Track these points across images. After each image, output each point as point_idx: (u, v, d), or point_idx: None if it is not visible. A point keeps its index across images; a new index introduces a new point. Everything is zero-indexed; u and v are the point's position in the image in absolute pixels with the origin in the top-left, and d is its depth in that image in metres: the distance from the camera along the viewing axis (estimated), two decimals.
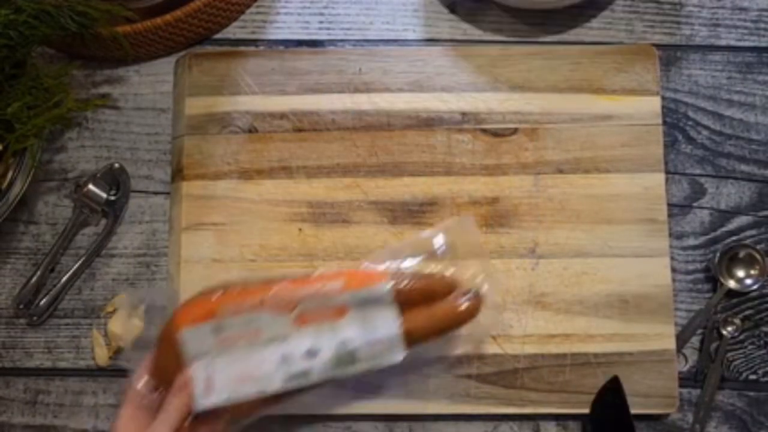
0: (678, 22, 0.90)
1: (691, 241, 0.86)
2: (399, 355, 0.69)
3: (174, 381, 0.67)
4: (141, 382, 0.69)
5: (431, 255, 0.74)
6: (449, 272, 0.72)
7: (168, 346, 0.68)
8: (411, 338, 0.69)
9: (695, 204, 0.86)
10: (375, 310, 0.69)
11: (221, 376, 0.67)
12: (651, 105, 0.86)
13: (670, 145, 0.87)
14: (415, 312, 0.70)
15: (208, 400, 0.67)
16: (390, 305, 0.69)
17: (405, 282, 0.70)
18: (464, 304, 0.71)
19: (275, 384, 0.67)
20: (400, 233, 0.83)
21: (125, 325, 0.84)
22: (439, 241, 0.75)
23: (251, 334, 0.68)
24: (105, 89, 0.90)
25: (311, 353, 0.68)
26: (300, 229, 0.84)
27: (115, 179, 0.87)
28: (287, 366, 0.67)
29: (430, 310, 0.70)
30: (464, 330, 0.72)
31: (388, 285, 0.69)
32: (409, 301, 0.70)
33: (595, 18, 0.90)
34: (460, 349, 0.79)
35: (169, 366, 0.68)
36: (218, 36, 0.91)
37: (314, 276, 0.70)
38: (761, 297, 0.85)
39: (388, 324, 0.69)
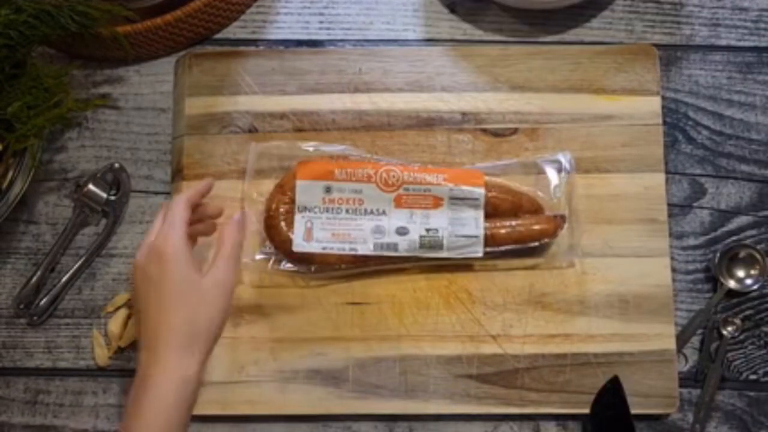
0: (678, 22, 0.90)
1: (691, 241, 0.86)
2: (479, 252, 0.80)
3: (280, 225, 0.79)
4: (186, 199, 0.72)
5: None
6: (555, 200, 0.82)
7: (283, 192, 0.80)
8: (492, 241, 0.80)
9: (695, 204, 0.86)
10: (466, 208, 0.80)
11: (321, 230, 0.79)
12: (651, 105, 0.85)
13: (670, 145, 0.87)
14: (501, 220, 0.80)
15: (305, 246, 0.79)
16: (480, 208, 0.80)
17: (498, 191, 0.81)
18: (545, 224, 0.80)
19: (365, 248, 0.79)
20: None
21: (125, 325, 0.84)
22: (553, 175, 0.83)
23: (355, 202, 0.80)
24: (105, 89, 0.90)
25: (401, 231, 0.80)
26: None
27: (115, 179, 0.87)
28: (379, 236, 0.80)
29: (514, 222, 0.80)
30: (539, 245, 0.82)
31: (483, 190, 0.79)
32: (497, 208, 0.81)
33: (595, 18, 0.90)
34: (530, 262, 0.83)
35: (280, 209, 0.80)
36: (218, 36, 0.91)
37: (421, 166, 0.82)
38: (761, 297, 0.85)
39: (474, 224, 0.80)
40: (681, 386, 0.82)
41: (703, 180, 0.87)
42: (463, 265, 0.82)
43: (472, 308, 0.82)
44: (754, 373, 0.84)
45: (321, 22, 0.91)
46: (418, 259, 0.81)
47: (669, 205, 0.85)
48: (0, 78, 0.77)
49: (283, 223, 0.80)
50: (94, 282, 0.86)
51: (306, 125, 0.86)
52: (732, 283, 0.84)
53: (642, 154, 0.84)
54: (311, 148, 0.83)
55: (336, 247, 0.80)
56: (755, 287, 0.84)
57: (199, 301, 0.65)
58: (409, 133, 0.86)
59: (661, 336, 0.81)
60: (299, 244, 0.80)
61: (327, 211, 0.80)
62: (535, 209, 0.82)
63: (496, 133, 0.85)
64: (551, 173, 0.83)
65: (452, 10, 0.91)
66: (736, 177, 0.87)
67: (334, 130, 0.86)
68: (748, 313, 0.85)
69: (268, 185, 0.83)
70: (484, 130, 0.85)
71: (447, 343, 0.81)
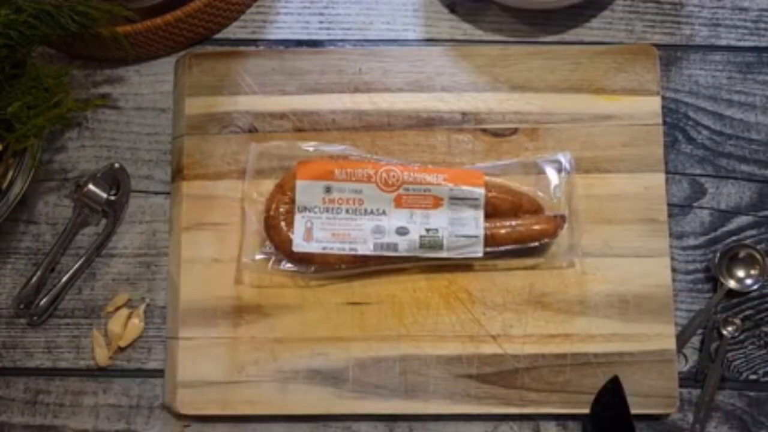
0: (678, 22, 0.90)
1: (691, 241, 0.86)
2: (479, 252, 0.80)
3: (280, 225, 0.80)
4: None
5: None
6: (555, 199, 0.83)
7: (283, 192, 0.80)
8: (492, 241, 0.80)
9: (695, 204, 0.86)
10: (466, 208, 0.80)
11: (321, 230, 0.80)
12: (651, 105, 0.85)
13: (670, 145, 0.87)
14: (501, 220, 0.80)
15: (305, 246, 0.80)
16: (480, 208, 0.80)
17: (497, 191, 0.81)
18: (545, 224, 0.80)
19: (365, 248, 0.80)
20: None
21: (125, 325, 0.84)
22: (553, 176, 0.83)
23: (355, 202, 0.80)
24: (105, 89, 0.90)
25: (401, 231, 0.80)
26: None
27: (115, 179, 0.87)
28: (379, 236, 0.80)
29: (514, 222, 0.80)
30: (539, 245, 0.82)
31: (483, 190, 0.79)
32: (497, 208, 0.81)
33: (595, 18, 0.90)
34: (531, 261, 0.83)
35: (280, 209, 0.80)
36: (218, 36, 0.91)
37: (421, 166, 0.82)
38: (761, 297, 0.85)
39: (474, 224, 0.80)
40: (681, 386, 0.82)
41: (703, 180, 0.87)
42: (463, 265, 0.82)
43: (472, 308, 0.82)
44: (754, 373, 0.84)
45: (321, 22, 0.91)
46: (418, 259, 0.81)
47: (669, 205, 0.85)
48: (0, 78, 0.77)
49: (283, 223, 0.80)
50: (94, 282, 0.86)
51: (306, 125, 0.86)
52: (732, 283, 0.84)
53: (642, 154, 0.84)
54: (311, 148, 0.83)
55: (336, 247, 0.80)
56: (755, 287, 0.84)
57: None
58: (409, 133, 0.86)
59: (661, 336, 0.81)
60: (299, 244, 0.80)
61: (327, 211, 0.80)
62: (535, 209, 0.82)
63: (496, 133, 0.85)
64: (551, 173, 0.83)
65: (452, 10, 0.91)
66: (736, 177, 0.87)
67: (334, 130, 0.86)
68: (748, 313, 0.85)
69: (268, 185, 0.83)
70: (484, 130, 0.85)
71: (447, 343, 0.81)
